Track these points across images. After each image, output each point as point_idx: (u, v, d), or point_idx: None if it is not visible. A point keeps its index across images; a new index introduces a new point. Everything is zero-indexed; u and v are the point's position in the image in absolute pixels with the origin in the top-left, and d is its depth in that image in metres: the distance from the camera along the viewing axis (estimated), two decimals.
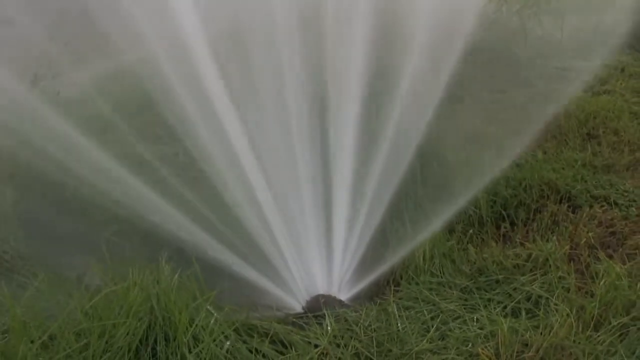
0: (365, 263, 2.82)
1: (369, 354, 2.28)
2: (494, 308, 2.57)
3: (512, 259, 2.88)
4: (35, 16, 3.04)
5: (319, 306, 2.58)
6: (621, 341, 2.33)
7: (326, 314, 2.43)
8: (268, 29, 3.10)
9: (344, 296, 2.72)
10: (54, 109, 2.80)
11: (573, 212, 3.37)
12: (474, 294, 2.68)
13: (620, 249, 3.10)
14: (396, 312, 2.48)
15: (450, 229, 3.09)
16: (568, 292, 2.67)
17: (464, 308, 2.58)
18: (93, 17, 2.99)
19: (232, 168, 2.83)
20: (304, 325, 2.43)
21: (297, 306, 2.66)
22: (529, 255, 2.91)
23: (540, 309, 2.55)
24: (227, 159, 2.84)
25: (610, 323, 2.40)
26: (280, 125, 3.00)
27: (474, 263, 2.86)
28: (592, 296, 2.64)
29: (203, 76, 2.88)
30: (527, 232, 3.19)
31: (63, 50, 3.48)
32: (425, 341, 2.33)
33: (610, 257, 3.00)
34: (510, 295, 2.67)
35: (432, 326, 2.43)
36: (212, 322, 2.19)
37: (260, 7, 3.18)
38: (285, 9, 3.15)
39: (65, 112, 2.77)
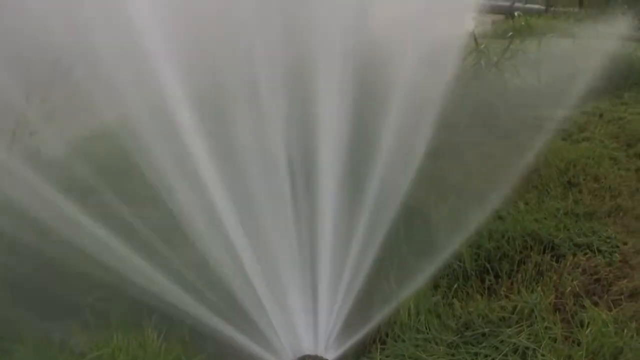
0: (351, 321, 2.86)
1: None
2: None
3: (497, 312, 2.94)
4: (11, 71, 3.11)
5: None
6: None
7: None
8: (249, 85, 3.20)
9: (330, 356, 2.75)
10: (33, 169, 2.86)
11: (557, 262, 3.45)
12: (461, 348, 2.73)
13: (606, 296, 3.18)
14: None
15: (435, 284, 3.15)
16: (555, 342, 2.73)
17: None
18: (72, 75, 3.08)
19: (215, 229, 2.89)
20: None
21: None
22: (515, 307, 2.97)
23: None
24: (210, 221, 2.91)
25: None
26: (263, 183, 3.08)
27: (460, 317, 2.91)
28: (579, 345, 2.70)
29: (184, 135, 2.96)
30: (511, 283, 3.25)
31: (41, 107, 3.55)
32: None
33: (596, 304, 3.08)
34: (497, 348, 2.72)
35: None
36: None
37: (241, 63, 3.28)
38: (266, 64, 3.25)
39: (45, 173, 2.84)
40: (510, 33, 6.81)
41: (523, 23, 8.35)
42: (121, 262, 2.77)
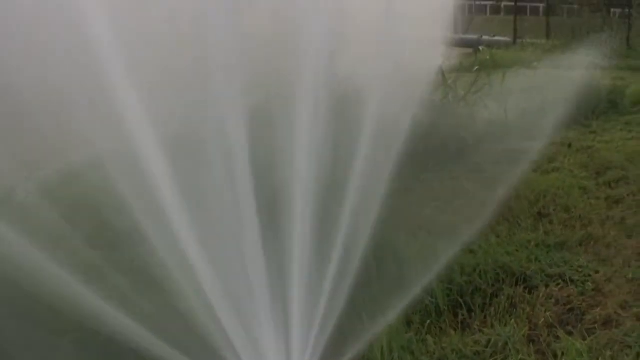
0: None
1: None
2: None
3: (471, 346, 2.99)
4: None
5: None
6: None
7: None
8: (219, 128, 3.25)
9: None
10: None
11: (530, 293, 3.52)
12: None
13: (580, 325, 3.25)
14: None
15: (407, 321, 3.19)
16: None
17: None
18: (38, 119, 3.10)
19: (186, 274, 2.92)
20: None
21: None
22: (488, 341, 3.02)
23: None
24: (180, 265, 2.94)
25: None
26: (233, 224, 3.11)
27: (434, 353, 2.95)
28: None
29: (154, 179, 3.00)
30: (485, 317, 3.30)
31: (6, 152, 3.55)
32: None
33: (570, 334, 3.14)
34: None
35: None
36: None
37: (211, 106, 3.32)
38: (234, 109, 3.30)
39: (14, 220, 2.86)
40: (477, 67, 6.98)
41: (488, 57, 8.55)
42: (92, 306, 2.78)
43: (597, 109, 7.58)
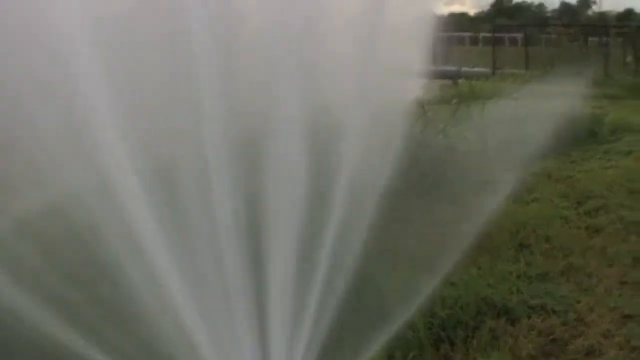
0: None
1: None
2: None
3: None
4: None
5: None
6: None
7: None
8: (199, 161, 3.27)
9: None
10: None
11: (512, 325, 3.55)
12: None
13: (563, 355, 3.29)
14: None
15: (389, 355, 3.22)
16: None
17: None
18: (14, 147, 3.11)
19: (165, 310, 2.93)
20: None
21: None
22: None
23: None
24: (158, 300, 2.95)
25: None
26: (213, 259, 3.13)
27: None
28: None
29: (132, 213, 3.02)
30: (467, 350, 3.33)
31: None
32: None
33: None
34: None
35: None
36: None
37: (191, 139, 3.35)
38: (216, 140, 3.34)
39: None
40: (455, 100, 7.10)
41: (467, 88, 8.69)
42: (70, 343, 2.78)
43: (576, 138, 7.71)
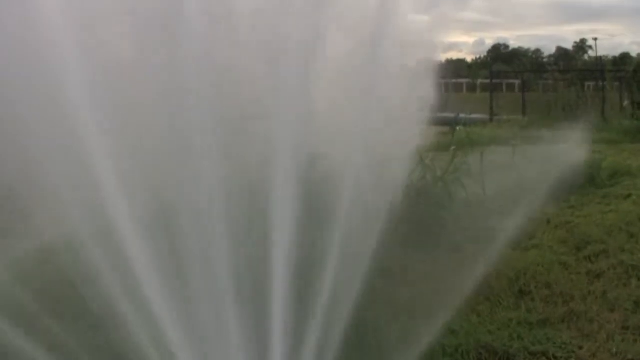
0: None
1: None
2: None
3: None
4: None
5: None
6: None
7: None
8: (197, 208, 3.33)
9: None
10: None
11: None
12: None
13: None
14: None
15: None
16: None
17: None
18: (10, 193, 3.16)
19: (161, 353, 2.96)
20: None
21: None
22: None
23: None
24: (159, 349, 2.98)
25: None
26: (210, 304, 3.17)
27: None
28: None
29: (129, 258, 3.06)
30: None
31: None
32: None
33: None
34: None
35: None
36: None
37: (188, 181, 3.41)
38: (212, 183, 3.40)
39: None
40: (454, 147, 7.19)
41: (464, 135, 8.80)
42: None
43: (574, 184, 7.77)
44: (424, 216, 5.52)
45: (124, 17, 3.36)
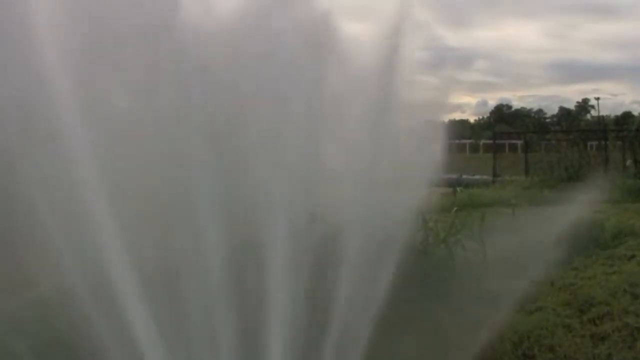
0: None
1: None
2: None
3: None
4: None
5: None
6: None
7: None
8: (197, 263, 3.35)
9: None
10: None
11: None
12: None
13: None
14: None
15: None
16: None
17: None
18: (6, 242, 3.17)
19: None
20: None
21: None
22: None
23: None
24: None
25: None
26: None
27: None
28: None
29: (130, 316, 3.06)
30: None
31: None
32: None
33: None
34: None
35: None
36: None
37: (189, 238, 3.43)
38: (214, 239, 3.42)
39: None
40: (455, 208, 7.23)
41: (467, 197, 8.85)
42: None
43: (577, 245, 7.76)
44: (426, 278, 5.52)
45: (123, 70, 3.43)
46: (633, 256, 7.60)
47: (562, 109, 72.00)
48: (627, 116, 48.40)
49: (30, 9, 3.05)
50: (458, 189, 9.30)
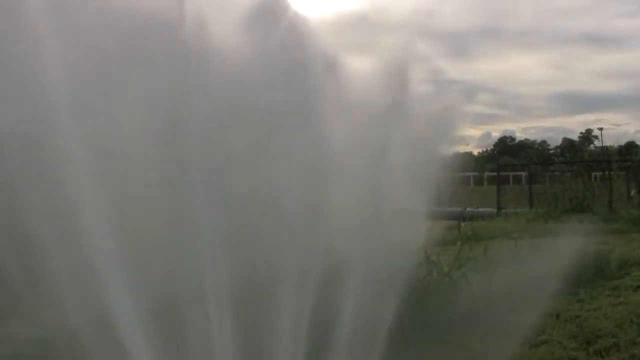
0: None
1: None
2: None
3: None
4: None
5: None
6: None
7: None
8: (201, 307, 3.35)
9: None
10: None
11: None
12: None
13: None
14: None
15: None
16: None
17: None
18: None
19: None
20: None
21: None
22: None
23: None
24: None
25: None
26: None
27: None
28: None
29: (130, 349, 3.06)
30: None
31: None
32: None
33: None
34: None
35: None
36: None
37: (194, 286, 3.43)
38: (218, 289, 3.42)
39: None
40: (459, 242, 7.22)
41: (470, 230, 8.84)
42: None
43: (583, 277, 7.72)
44: (431, 312, 5.51)
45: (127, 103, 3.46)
46: (639, 287, 7.55)
47: (565, 139, 72.18)
48: (630, 146, 48.50)
49: (38, 42, 3.10)
50: (461, 223, 9.28)
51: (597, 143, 64.07)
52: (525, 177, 24.01)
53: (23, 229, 3.10)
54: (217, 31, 3.62)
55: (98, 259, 3.13)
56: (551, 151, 69.99)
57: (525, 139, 77.88)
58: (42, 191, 3.10)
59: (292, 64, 3.82)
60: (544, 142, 75.89)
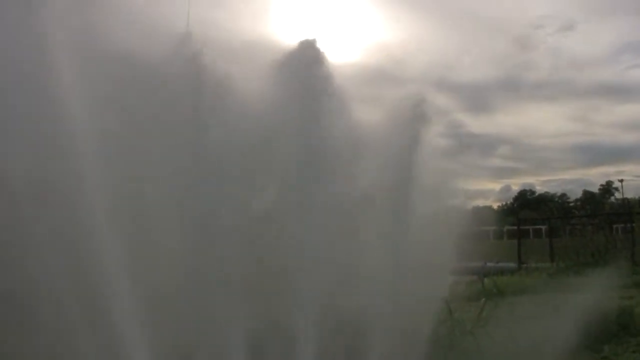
0: None
1: None
2: None
3: None
4: None
5: None
6: None
7: None
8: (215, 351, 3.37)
9: None
10: None
11: None
12: None
13: None
14: None
15: None
16: None
17: None
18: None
19: None
20: None
21: None
22: None
23: None
24: None
25: None
26: None
27: None
28: None
29: None
30: None
31: None
32: None
33: None
34: None
35: None
36: None
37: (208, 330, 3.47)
38: (232, 331, 3.45)
39: None
40: (482, 298, 7.19)
41: (492, 286, 8.80)
42: None
43: (607, 332, 7.62)
44: (454, 347, 5.47)
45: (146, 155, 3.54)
46: None
47: (585, 192, 71.61)
48: None
49: (62, 94, 3.22)
50: (485, 278, 9.24)
51: (617, 195, 63.52)
52: (545, 230, 23.79)
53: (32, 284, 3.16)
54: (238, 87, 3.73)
55: (117, 311, 3.18)
56: (571, 204, 69.44)
57: (545, 192, 77.38)
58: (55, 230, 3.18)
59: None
60: (564, 194, 75.36)
